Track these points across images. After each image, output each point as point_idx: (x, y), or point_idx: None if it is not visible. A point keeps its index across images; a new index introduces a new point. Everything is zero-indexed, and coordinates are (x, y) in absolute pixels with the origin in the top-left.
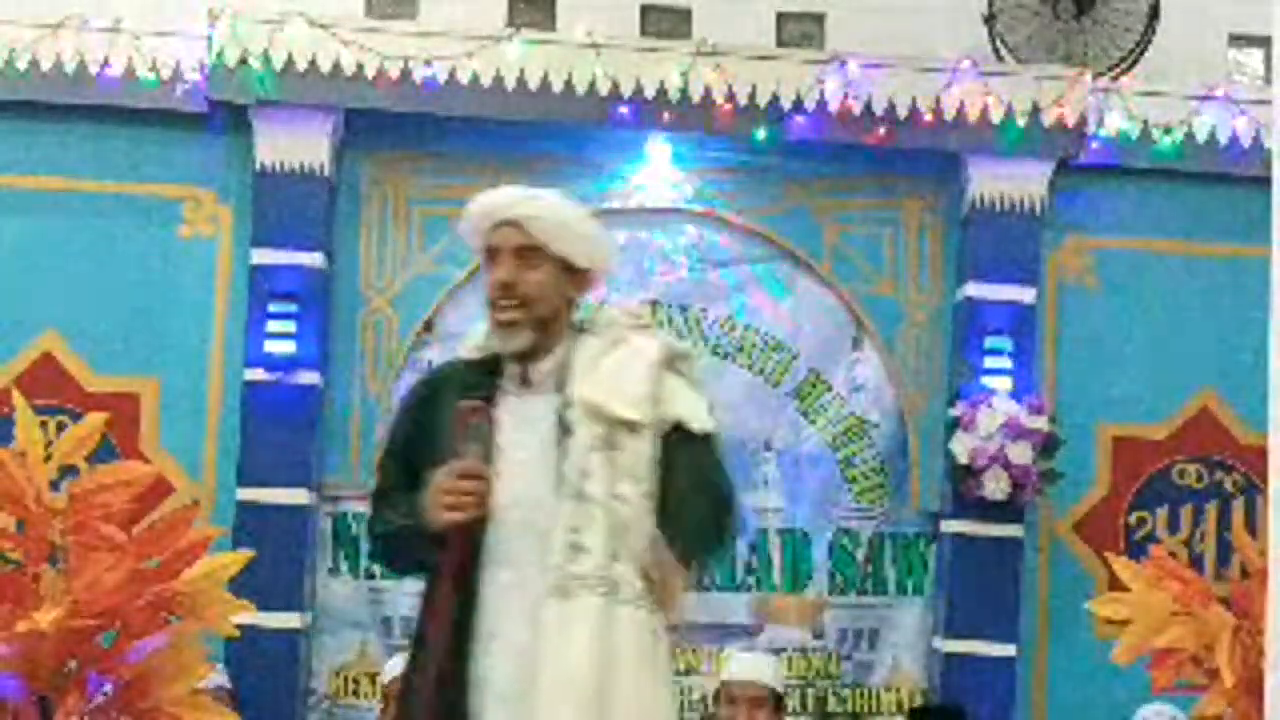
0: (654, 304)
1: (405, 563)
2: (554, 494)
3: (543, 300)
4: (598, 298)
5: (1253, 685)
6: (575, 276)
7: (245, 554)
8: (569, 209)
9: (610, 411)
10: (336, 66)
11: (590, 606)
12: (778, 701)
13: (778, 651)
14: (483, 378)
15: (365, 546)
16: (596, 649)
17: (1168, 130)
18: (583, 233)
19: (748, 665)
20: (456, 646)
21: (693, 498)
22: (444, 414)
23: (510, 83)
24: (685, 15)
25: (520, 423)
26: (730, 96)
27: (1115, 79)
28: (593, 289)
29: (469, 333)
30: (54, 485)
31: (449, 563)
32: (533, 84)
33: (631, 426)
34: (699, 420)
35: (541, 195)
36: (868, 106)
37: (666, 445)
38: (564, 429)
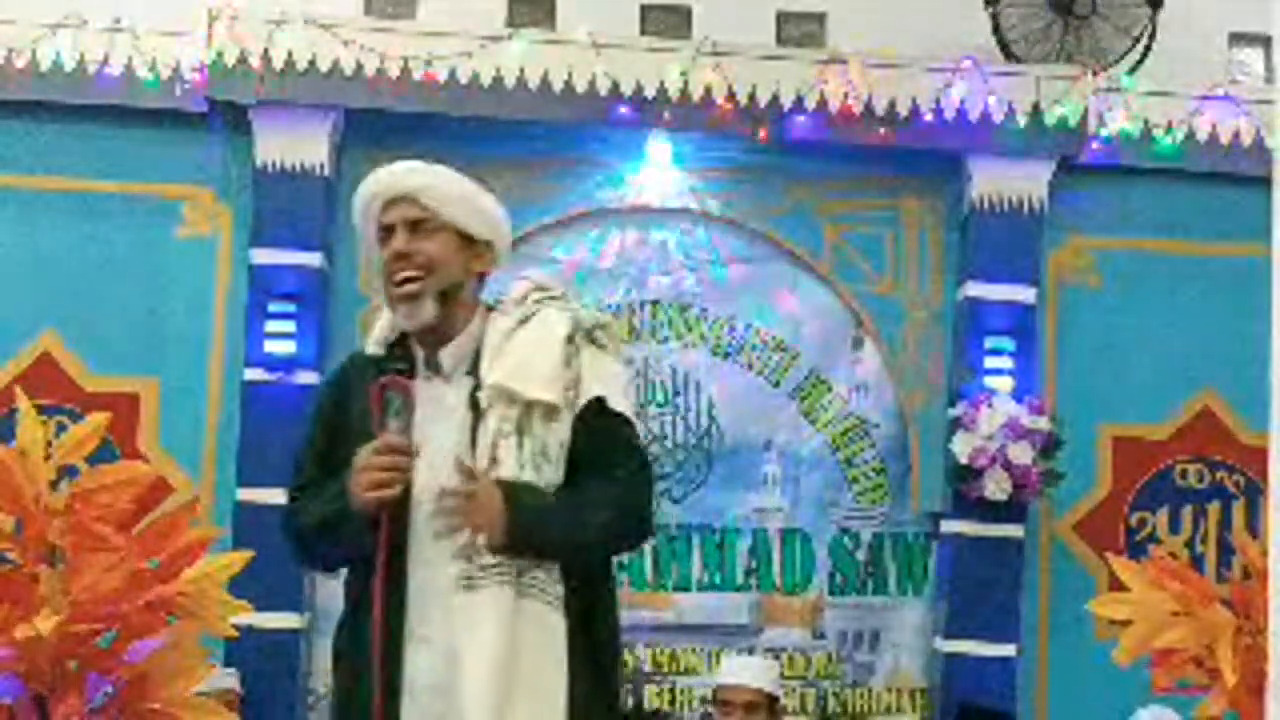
0: (654, 304)
1: (339, 554)
2: (465, 484)
3: (443, 267)
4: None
5: (1254, 686)
6: (475, 249)
7: (245, 554)
8: (463, 180)
9: (523, 394)
10: (336, 66)
11: (498, 597)
12: (772, 704)
13: (778, 652)
14: (393, 365)
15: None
16: (504, 641)
17: (1169, 130)
18: (479, 205)
19: (739, 669)
20: (390, 650)
21: (597, 497)
22: (356, 407)
23: (510, 83)
24: (685, 15)
25: (432, 411)
26: (730, 96)
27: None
28: (495, 266)
29: (373, 328)
30: (53, 485)
31: (380, 555)
32: (533, 84)
33: (546, 409)
34: (616, 398)
35: (431, 166)
36: (868, 106)
37: (583, 421)
38: (476, 414)
